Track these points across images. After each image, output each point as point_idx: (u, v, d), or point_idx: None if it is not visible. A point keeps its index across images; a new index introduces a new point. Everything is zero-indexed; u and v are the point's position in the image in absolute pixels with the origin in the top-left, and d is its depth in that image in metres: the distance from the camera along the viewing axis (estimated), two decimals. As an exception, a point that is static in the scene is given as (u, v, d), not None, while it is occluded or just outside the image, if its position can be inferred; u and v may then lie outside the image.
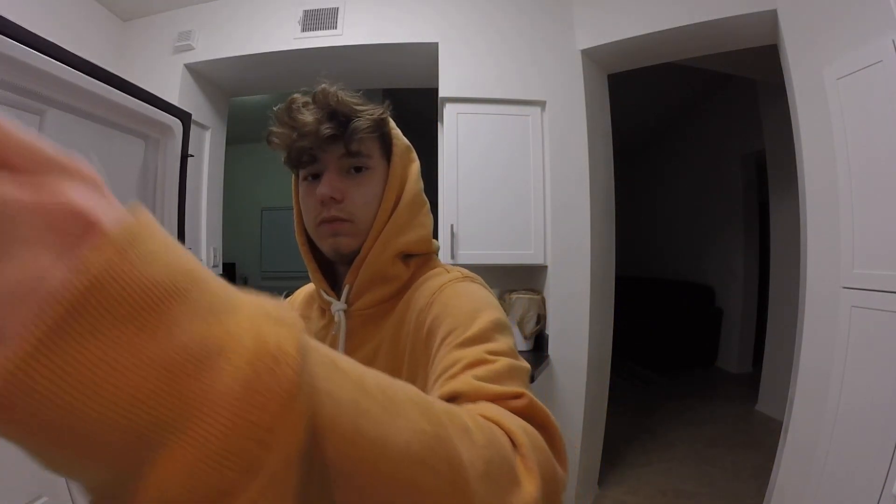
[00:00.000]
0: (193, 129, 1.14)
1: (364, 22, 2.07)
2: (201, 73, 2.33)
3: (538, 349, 2.00)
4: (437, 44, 2.01)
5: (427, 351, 0.49)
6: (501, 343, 0.45)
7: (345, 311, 0.58)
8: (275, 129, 0.54)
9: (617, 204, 2.30)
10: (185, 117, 1.02)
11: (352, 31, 2.07)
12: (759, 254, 3.96)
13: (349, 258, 0.57)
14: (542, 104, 1.97)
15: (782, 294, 3.12)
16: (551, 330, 1.95)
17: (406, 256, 0.59)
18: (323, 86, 0.53)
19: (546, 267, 1.97)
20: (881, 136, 1.23)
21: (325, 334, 0.61)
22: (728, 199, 4.16)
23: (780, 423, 1.76)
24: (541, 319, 1.95)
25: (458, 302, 0.50)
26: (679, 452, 2.66)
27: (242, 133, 4.45)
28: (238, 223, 4.98)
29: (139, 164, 0.94)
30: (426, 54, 2.10)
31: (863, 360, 1.29)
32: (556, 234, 1.95)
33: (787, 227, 2.99)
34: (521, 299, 1.92)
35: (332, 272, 0.63)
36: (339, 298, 0.58)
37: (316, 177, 0.56)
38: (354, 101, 0.54)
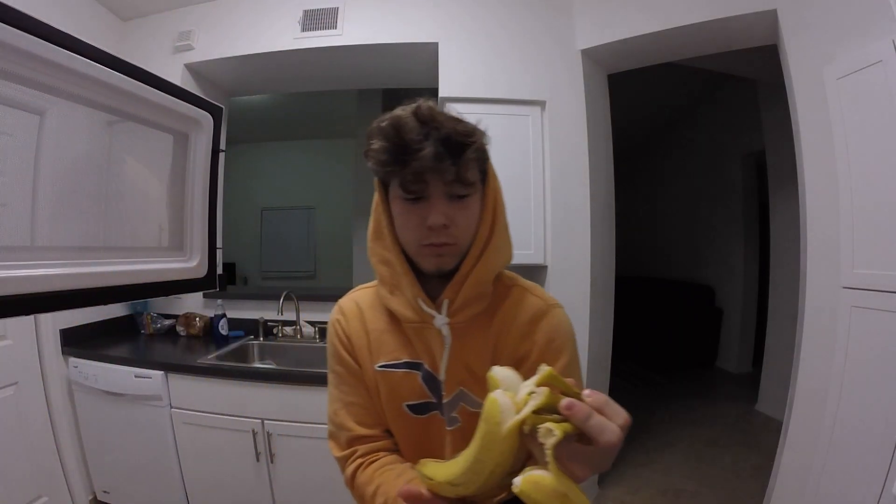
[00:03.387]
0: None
1: (364, 22, 2.07)
2: (201, 73, 2.33)
3: (538, 349, 2.00)
4: (437, 44, 2.01)
5: (539, 357, 0.61)
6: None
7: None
8: (380, 144, 0.55)
9: (617, 204, 2.30)
10: (215, 111, 1.00)
11: (352, 31, 2.07)
12: (759, 254, 3.96)
13: (447, 273, 0.61)
14: (542, 104, 1.97)
15: (782, 294, 3.12)
16: (551, 330, 1.95)
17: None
18: (430, 105, 0.55)
19: (546, 267, 1.97)
20: (881, 135, 1.23)
21: (404, 340, 0.65)
22: (728, 199, 4.16)
23: (780, 423, 1.76)
24: (541, 319, 1.95)
25: (564, 340, 0.64)
26: (679, 452, 2.66)
27: (242, 133, 4.45)
28: (238, 223, 4.98)
29: (168, 160, 0.93)
30: (426, 54, 2.10)
31: (863, 360, 1.29)
32: (556, 234, 1.95)
33: (787, 227, 2.99)
34: (521, 299, 1.92)
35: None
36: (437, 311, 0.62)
37: (417, 199, 0.57)
38: (463, 127, 0.56)
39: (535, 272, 2.07)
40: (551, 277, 1.96)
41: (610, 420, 0.37)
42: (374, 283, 0.70)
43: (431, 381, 0.63)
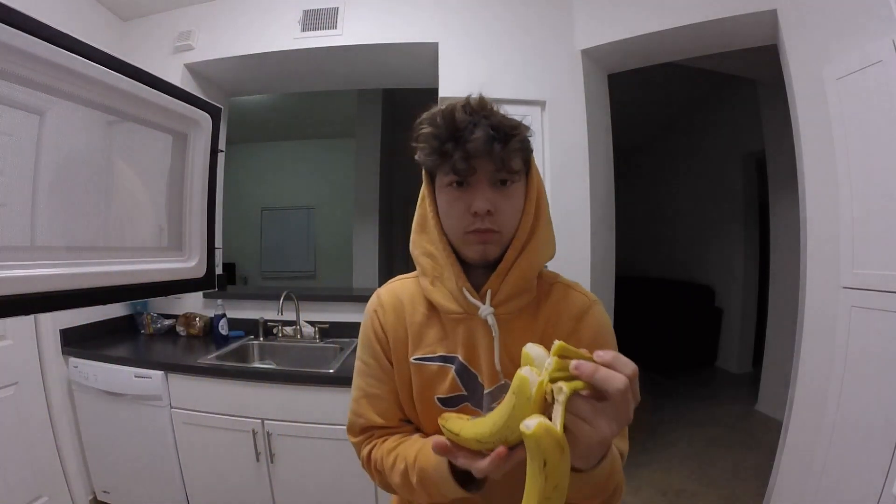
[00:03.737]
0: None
1: (364, 22, 2.07)
2: (201, 73, 2.33)
3: (538, 349, 2.00)
4: (437, 44, 2.01)
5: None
6: None
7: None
8: (431, 131, 0.57)
9: (617, 204, 2.30)
10: (214, 112, 0.99)
11: (352, 31, 2.07)
12: (759, 254, 3.96)
13: (491, 264, 0.63)
14: (542, 104, 1.97)
15: (782, 294, 3.12)
16: (551, 330, 1.95)
17: None
18: (480, 96, 0.58)
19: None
20: (881, 135, 1.23)
21: (443, 333, 0.65)
22: (728, 199, 4.16)
23: (780, 423, 1.76)
24: (541, 319, 1.95)
25: (607, 336, 0.66)
26: (679, 452, 2.66)
27: (242, 133, 4.46)
28: (238, 223, 4.98)
29: (167, 160, 0.93)
30: (426, 54, 2.10)
31: (863, 360, 1.29)
32: (556, 233, 1.94)
33: (787, 227, 2.99)
34: (521, 299, 1.92)
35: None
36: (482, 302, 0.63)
37: (461, 184, 0.59)
38: (509, 119, 0.59)
39: (535, 272, 2.07)
40: (551, 277, 1.96)
41: (618, 372, 0.40)
42: (414, 273, 0.70)
43: (465, 373, 0.64)
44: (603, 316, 0.67)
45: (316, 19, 2.09)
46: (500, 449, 0.44)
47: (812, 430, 1.46)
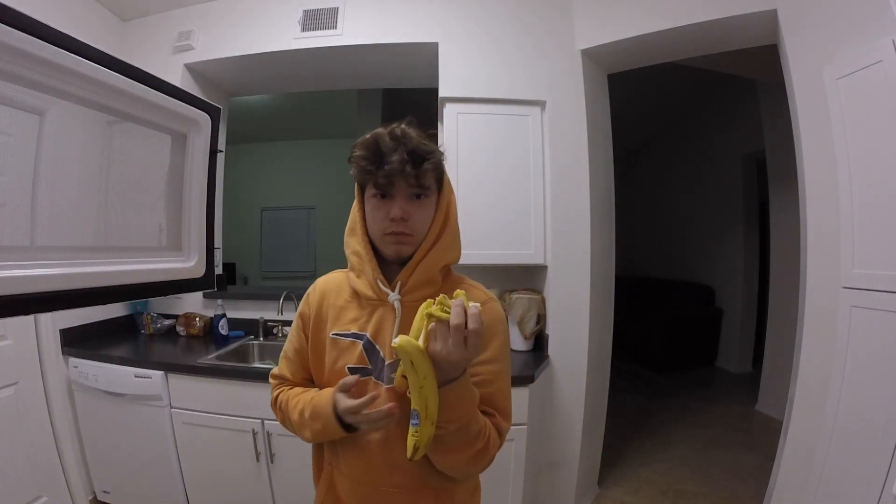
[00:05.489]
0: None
1: (364, 22, 2.07)
2: (201, 73, 2.33)
3: (538, 349, 2.00)
4: (437, 44, 2.01)
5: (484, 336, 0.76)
6: (508, 372, 0.81)
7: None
8: (361, 154, 0.71)
9: (617, 204, 2.30)
10: (213, 112, 1.00)
11: (352, 31, 2.07)
12: (759, 254, 3.96)
13: (404, 260, 0.77)
14: (542, 104, 1.97)
15: (782, 294, 3.12)
16: (551, 330, 1.95)
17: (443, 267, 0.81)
18: (402, 127, 0.71)
19: (546, 267, 1.97)
20: (881, 135, 1.23)
21: (359, 315, 0.79)
22: (728, 199, 4.16)
23: (780, 423, 1.76)
24: (541, 319, 1.95)
25: (498, 327, 0.79)
26: (679, 452, 2.66)
27: (242, 133, 4.45)
28: (238, 223, 4.98)
29: (166, 160, 0.93)
30: (426, 54, 2.10)
31: (863, 360, 1.29)
32: (556, 233, 1.95)
33: (787, 227, 2.99)
34: (520, 299, 1.92)
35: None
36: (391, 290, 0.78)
37: (384, 195, 0.73)
38: (426, 145, 0.72)
39: (535, 272, 2.06)
40: (551, 277, 1.96)
41: (469, 320, 0.59)
42: (347, 269, 0.86)
43: (370, 348, 0.77)
44: (498, 308, 0.82)
45: (316, 19, 2.09)
46: (379, 394, 0.69)
47: (812, 430, 1.46)
